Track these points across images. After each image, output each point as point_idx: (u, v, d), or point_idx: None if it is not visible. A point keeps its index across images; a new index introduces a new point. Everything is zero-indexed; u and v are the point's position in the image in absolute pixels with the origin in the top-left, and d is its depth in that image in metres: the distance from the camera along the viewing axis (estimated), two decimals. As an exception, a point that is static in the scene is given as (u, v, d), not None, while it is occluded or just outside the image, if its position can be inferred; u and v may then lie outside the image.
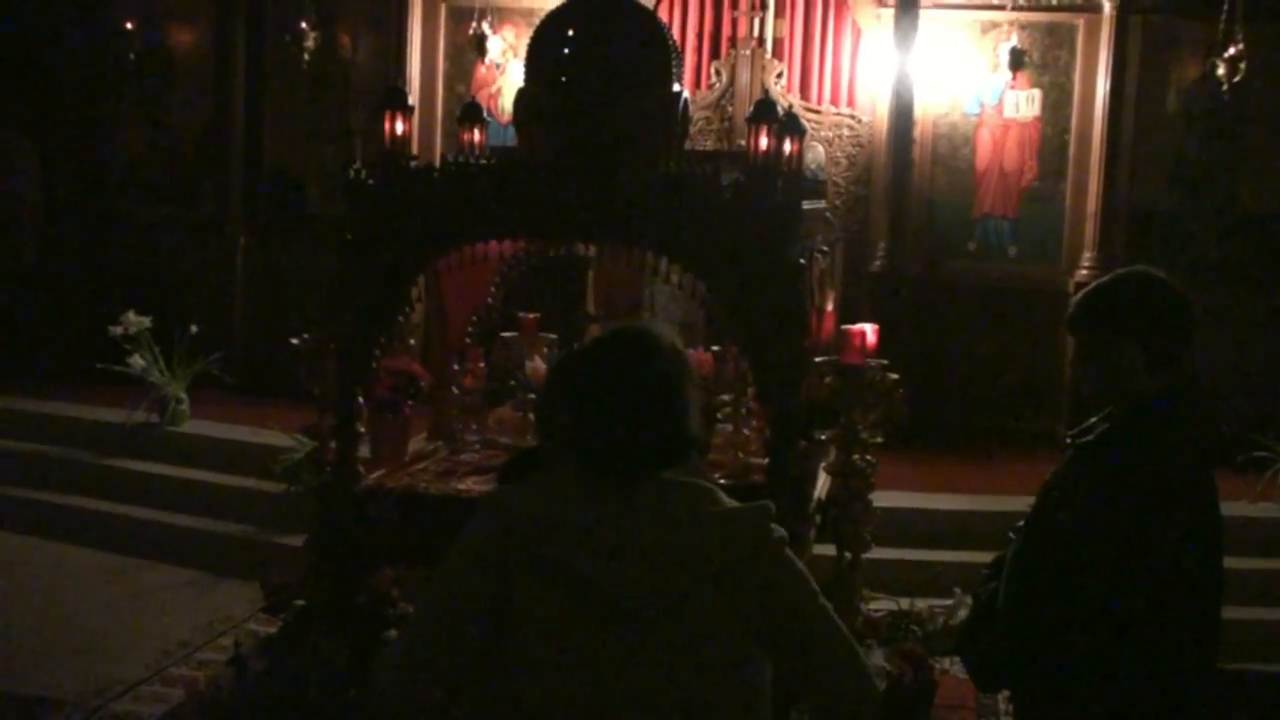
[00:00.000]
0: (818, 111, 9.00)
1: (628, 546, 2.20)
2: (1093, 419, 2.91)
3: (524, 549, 2.23)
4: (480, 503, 2.42)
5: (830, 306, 5.32)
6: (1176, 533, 2.70)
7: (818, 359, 4.50)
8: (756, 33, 8.96)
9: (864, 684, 2.33)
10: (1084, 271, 8.62)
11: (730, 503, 2.32)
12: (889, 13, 8.76)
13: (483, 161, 4.43)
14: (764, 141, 4.14)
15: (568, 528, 2.23)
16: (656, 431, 2.27)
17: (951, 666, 5.64)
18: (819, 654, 2.30)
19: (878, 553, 5.00)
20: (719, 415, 4.92)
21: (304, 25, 9.19)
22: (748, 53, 8.95)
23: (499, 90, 9.29)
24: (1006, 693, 3.96)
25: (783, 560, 2.30)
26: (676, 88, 4.42)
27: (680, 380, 2.32)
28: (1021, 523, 2.98)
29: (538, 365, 5.19)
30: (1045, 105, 8.91)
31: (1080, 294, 2.97)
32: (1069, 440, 2.94)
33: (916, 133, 8.85)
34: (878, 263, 8.87)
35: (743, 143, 4.76)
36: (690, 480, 2.32)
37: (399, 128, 4.43)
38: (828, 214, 5.51)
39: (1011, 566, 2.88)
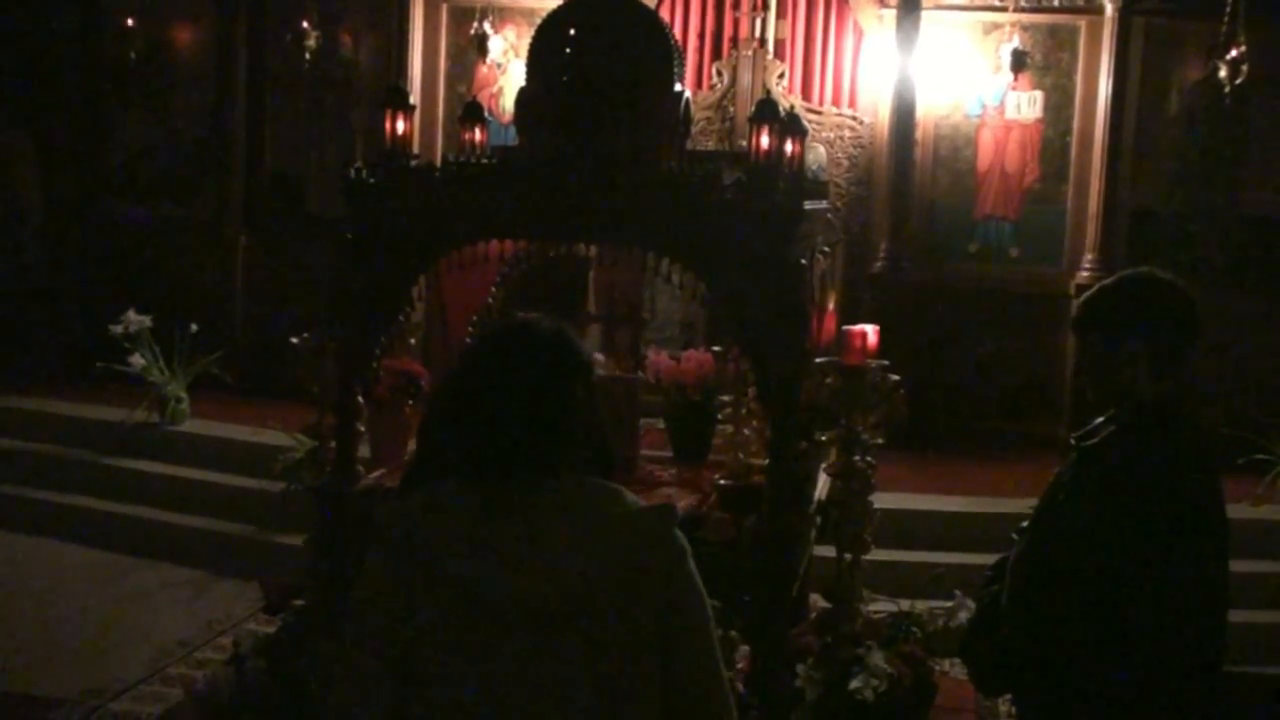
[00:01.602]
0: (819, 112, 9.00)
1: (524, 553, 2.11)
2: (1096, 421, 2.90)
3: (422, 569, 2.13)
4: (371, 535, 2.25)
5: (831, 307, 5.31)
6: (1183, 536, 2.69)
7: (818, 360, 4.49)
8: (758, 33, 8.96)
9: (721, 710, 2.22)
10: (1085, 273, 8.62)
11: (635, 503, 2.22)
12: (891, 14, 8.76)
13: (484, 161, 4.42)
14: (765, 142, 4.12)
15: (460, 540, 2.12)
16: (529, 429, 2.17)
17: (951, 669, 5.63)
18: (687, 691, 2.19)
19: (878, 554, 4.99)
20: (719, 416, 4.91)
21: (305, 25, 9.19)
22: (749, 53, 8.95)
23: (500, 90, 9.29)
24: (1008, 696, 3.95)
25: (682, 570, 2.20)
26: (678, 88, 4.41)
27: (556, 374, 2.22)
28: (1024, 525, 2.97)
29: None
30: (1047, 107, 8.90)
31: (1086, 294, 2.96)
32: (1073, 443, 2.93)
33: (918, 134, 8.85)
34: (879, 264, 8.87)
35: (744, 143, 4.75)
36: (592, 479, 2.23)
37: (400, 127, 4.42)
38: (829, 215, 5.50)
39: (1016, 569, 2.87)
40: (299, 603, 5.38)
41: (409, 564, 2.14)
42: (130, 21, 9.81)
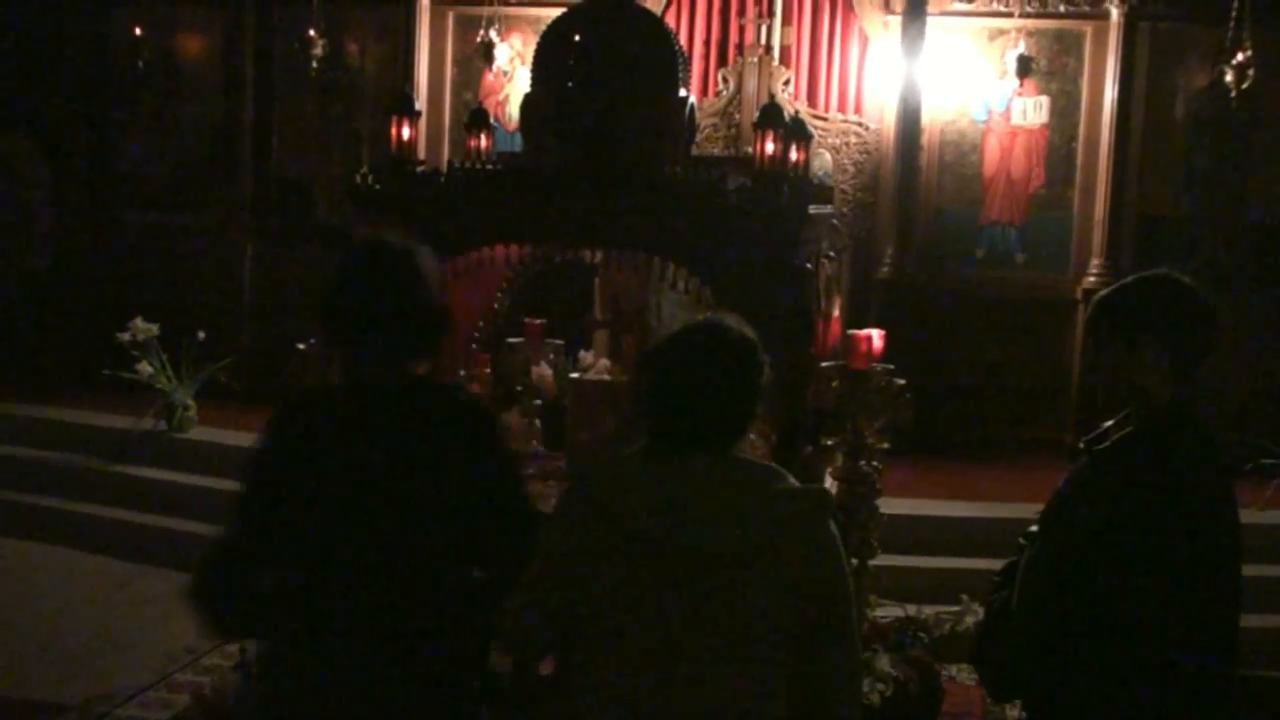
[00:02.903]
0: (825, 119, 9.00)
1: (694, 514, 2.43)
2: (1106, 424, 2.89)
3: (607, 522, 2.47)
4: (571, 477, 2.98)
5: (837, 312, 5.32)
6: (1195, 540, 2.67)
7: (824, 364, 4.49)
8: (764, 40, 8.97)
9: (849, 711, 2.53)
10: (1092, 278, 8.61)
11: (794, 483, 2.52)
12: (896, 20, 8.77)
13: (489, 167, 4.43)
14: (771, 148, 4.14)
15: (641, 497, 2.47)
16: (717, 416, 2.51)
17: (959, 674, 5.63)
18: (824, 655, 2.51)
19: (884, 559, 4.99)
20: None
21: (312, 33, 9.20)
22: (755, 60, 8.96)
23: (506, 98, 9.31)
24: (1018, 701, 3.94)
25: (832, 546, 2.51)
26: (683, 94, 4.42)
27: (743, 372, 2.53)
28: (1031, 529, 2.96)
29: (544, 371, 5.19)
30: (1053, 112, 8.90)
31: (1102, 294, 2.92)
32: (1083, 446, 2.91)
33: (924, 140, 8.85)
34: (884, 269, 8.87)
35: (749, 149, 4.76)
36: (759, 461, 2.59)
37: (406, 134, 4.43)
38: (834, 220, 5.50)
39: (1025, 574, 2.86)
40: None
41: (599, 515, 2.49)
42: (139, 31, 9.83)
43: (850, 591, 2.54)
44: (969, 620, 5.10)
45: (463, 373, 5.17)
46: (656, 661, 2.42)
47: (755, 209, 3.95)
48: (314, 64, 9.27)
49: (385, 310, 2.69)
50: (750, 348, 2.55)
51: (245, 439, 8.21)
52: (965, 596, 5.33)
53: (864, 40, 9.07)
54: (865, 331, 4.69)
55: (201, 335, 8.40)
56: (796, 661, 2.48)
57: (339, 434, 2.72)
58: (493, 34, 9.16)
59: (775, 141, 4.14)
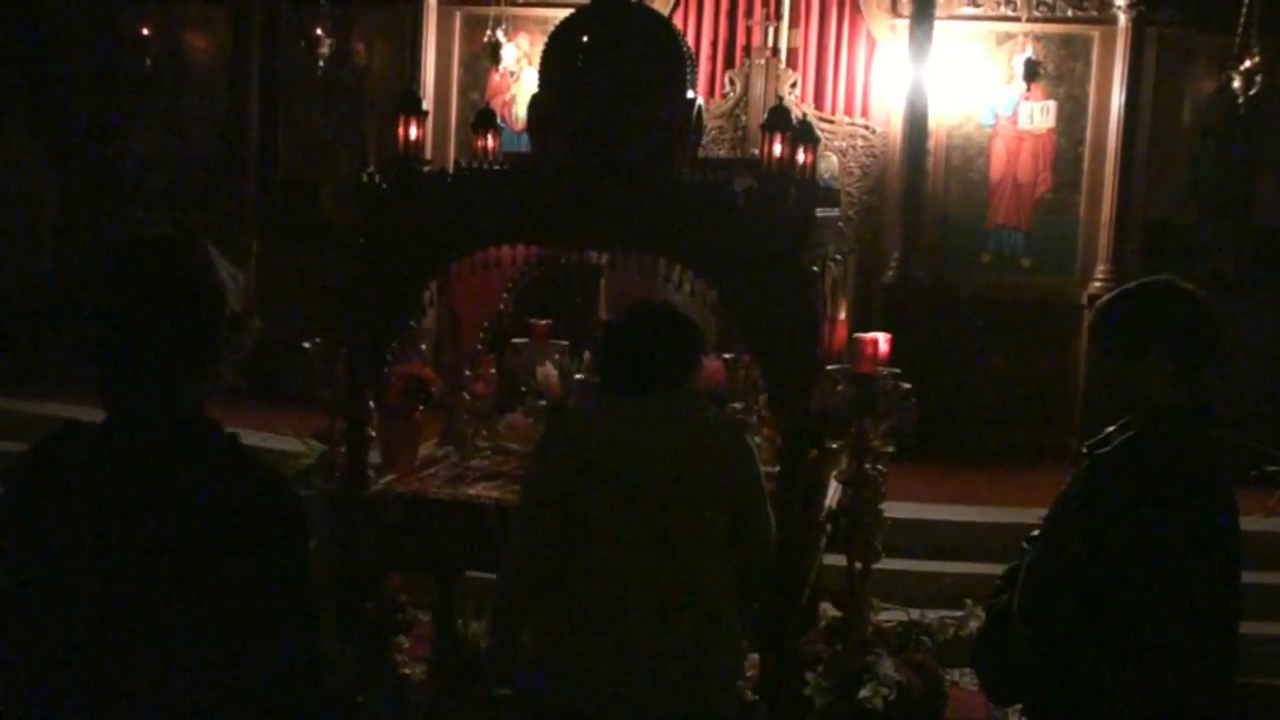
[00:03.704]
0: (832, 121, 9.00)
1: (644, 447, 3.17)
2: (1109, 429, 2.89)
3: (579, 456, 3.17)
4: (546, 428, 3.73)
5: (842, 315, 5.32)
6: (1196, 546, 2.68)
7: (830, 368, 4.49)
8: (771, 42, 8.97)
9: (768, 535, 3.39)
10: (1098, 283, 8.61)
11: (715, 413, 3.49)
12: (904, 23, 8.77)
13: (496, 168, 4.43)
14: (778, 150, 4.13)
15: (604, 438, 3.20)
16: (665, 367, 3.29)
17: (961, 678, 5.62)
18: (749, 514, 3.31)
19: (888, 563, 4.98)
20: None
21: (319, 32, 9.22)
22: (762, 62, 8.96)
23: (513, 98, 9.32)
24: (1019, 706, 3.93)
25: (745, 447, 3.38)
26: (691, 95, 4.42)
27: (682, 337, 3.34)
28: (1034, 534, 2.96)
29: (549, 371, 5.19)
30: (1060, 117, 8.90)
31: (1104, 300, 2.94)
32: (1085, 451, 2.92)
33: (930, 143, 8.85)
34: (890, 272, 8.87)
35: (756, 151, 4.75)
36: (686, 393, 3.34)
37: (413, 133, 4.43)
38: (841, 223, 5.50)
39: (1027, 578, 2.86)
40: (309, 608, 5.37)
41: (572, 452, 3.19)
42: (146, 30, 9.85)
43: (760, 477, 3.36)
44: (973, 625, 5.09)
45: (468, 373, 5.18)
46: (631, 552, 3.12)
47: (762, 211, 3.94)
48: (320, 63, 9.29)
49: (145, 315, 2.06)
50: (684, 321, 3.36)
51: (249, 436, 8.22)
52: (969, 601, 5.32)
53: (871, 43, 9.07)
54: (871, 335, 4.69)
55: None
56: (733, 527, 3.25)
57: (79, 508, 2.03)
58: (500, 34, 9.17)
59: (782, 144, 4.13)
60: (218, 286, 2.14)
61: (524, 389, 5.23)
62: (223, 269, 2.16)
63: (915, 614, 5.39)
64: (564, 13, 4.66)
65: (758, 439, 4.85)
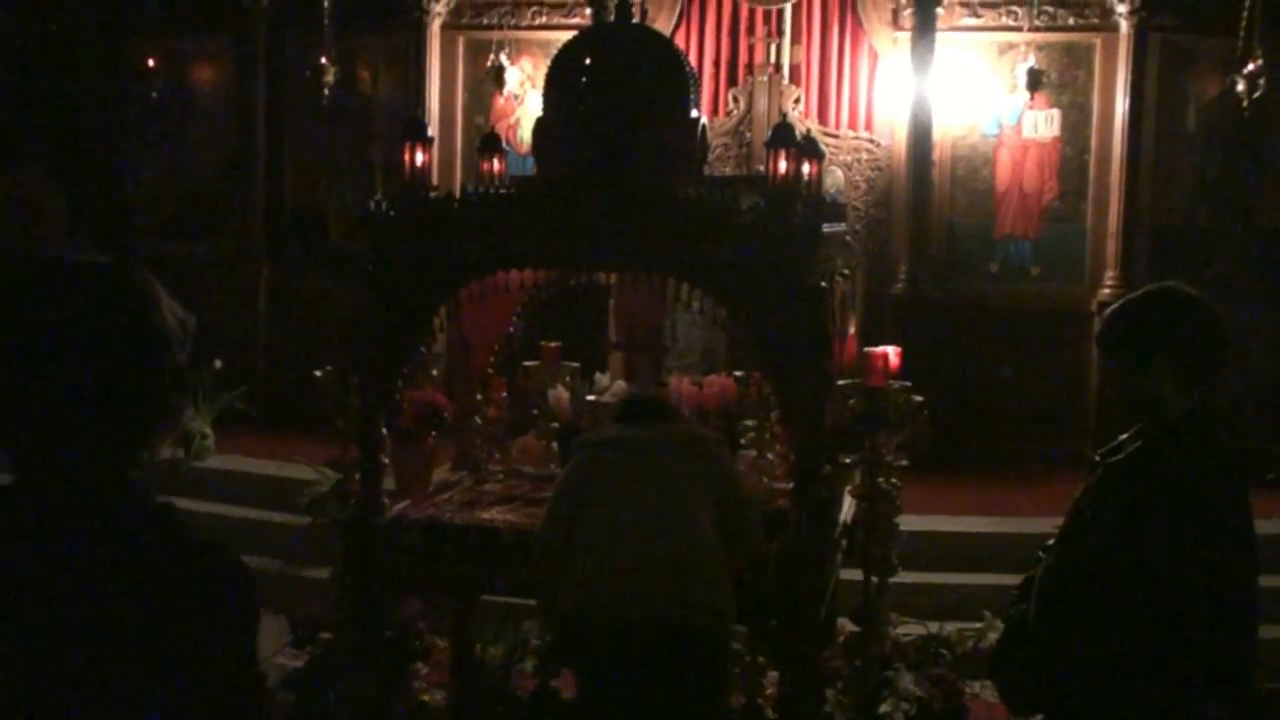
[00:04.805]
0: (836, 136, 9.01)
1: (645, 452, 3.91)
2: (1122, 437, 2.89)
3: (597, 462, 3.93)
4: (575, 446, 4.16)
5: (852, 330, 5.32)
6: (1210, 552, 2.67)
7: (841, 382, 4.49)
8: (773, 59, 8.99)
9: (758, 542, 3.98)
10: (1107, 290, 8.59)
11: (705, 432, 4.35)
12: (905, 36, 8.78)
13: (503, 191, 4.44)
14: (783, 166, 4.14)
15: (612, 436, 4.02)
16: (659, 412, 4.14)
17: (982, 691, 5.60)
18: (737, 517, 3.90)
19: (905, 576, 4.97)
20: (743, 441, 4.91)
21: (324, 60, 9.26)
22: (765, 79, 8.98)
23: (517, 121, 9.34)
24: (1038, 716, 3.91)
25: (727, 457, 4.15)
26: (695, 114, 4.43)
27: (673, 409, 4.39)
28: (1050, 543, 2.96)
29: (560, 394, 5.19)
30: (1064, 125, 8.89)
31: (1110, 309, 2.96)
32: (1098, 459, 2.92)
33: (935, 155, 8.85)
34: (899, 285, 8.86)
35: (761, 168, 4.77)
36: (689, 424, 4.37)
37: (419, 159, 4.45)
38: (848, 237, 5.50)
39: (1043, 588, 2.86)
40: (326, 636, 5.39)
41: (591, 459, 3.95)
42: (152, 62, 9.91)
43: (740, 482, 4.08)
44: (991, 636, 5.08)
45: (480, 397, 5.19)
46: (632, 508, 3.78)
47: (769, 228, 3.95)
48: (326, 91, 9.32)
49: (63, 364, 1.68)
50: (670, 406, 4.45)
51: (263, 466, 8.30)
52: (987, 612, 5.31)
53: (874, 57, 9.08)
54: (881, 349, 4.69)
55: (218, 363, 8.43)
56: (720, 515, 3.84)
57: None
58: (503, 58, 9.21)
59: (788, 160, 4.14)
60: (161, 332, 1.80)
61: (536, 412, 5.24)
62: (168, 311, 1.83)
63: (933, 627, 5.38)
64: (567, 35, 4.69)
65: (771, 455, 4.86)
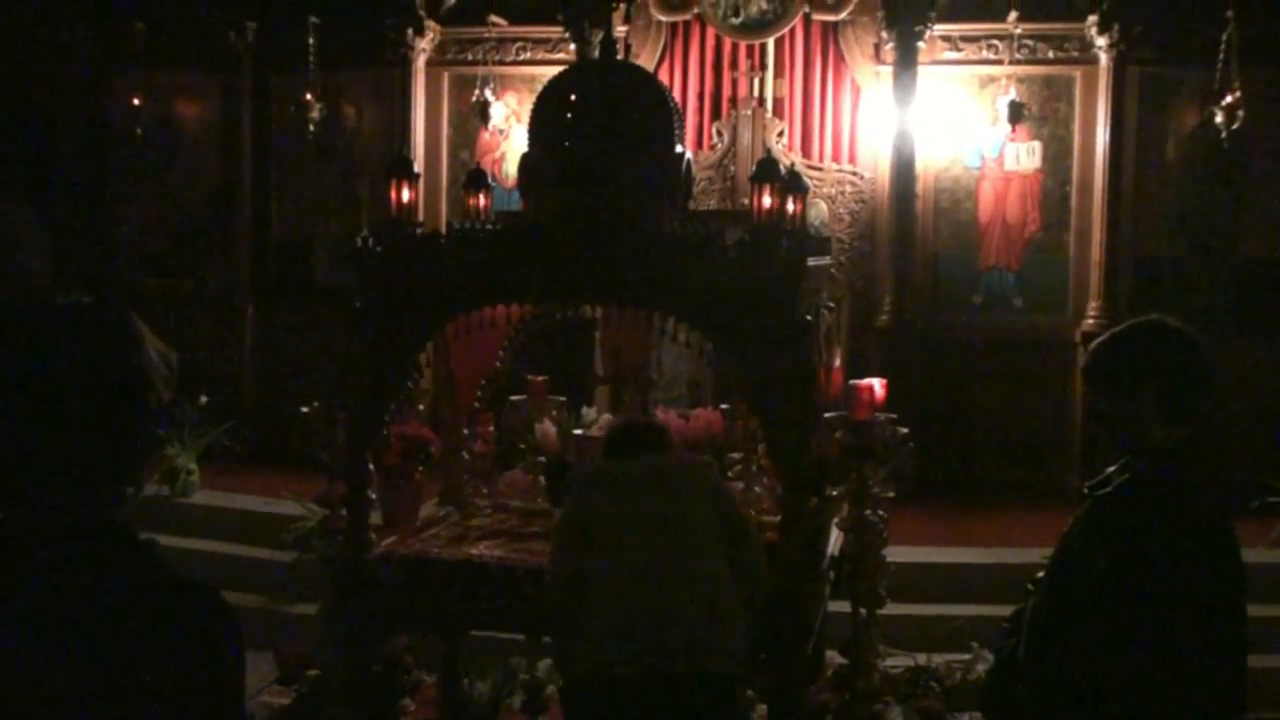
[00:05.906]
0: (820, 169, 9.06)
1: (643, 465, 3.92)
2: (1109, 469, 2.90)
3: (594, 500, 3.86)
4: (572, 481, 4.13)
5: (838, 362, 5.33)
6: (1199, 584, 2.67)
7: (827, 415, 4.50)
8: (757, 93, 9.04)
9: (762, 567, 3.90)
10: (1090, 321, 8.63)
11: (698, 460, 4.32)
12: (888, 70, 8.84)
13: (488, 227, 4.46)
14: (767, 200, 4.16)
15: (608, 486, 3.91)
16: (651, 443, 4.03)
17: (971, 722, 5.59)
18: (741, 545, 3.85)
19: (893, 608, 4.97)
20: (730, 474, 4.92)
21: (309, 97, 9.30)
22: (748, 113, 9.03)
23: (503, 155, 9.38)
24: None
25: (723, 483, 4.22)
26: (679, 149, 4.46)
27: (663, 434, 4.18)
28: (1039, 576, 2.96)
29: (547, 428, 5.19)
30: (1046, 157, 8.96)
31: (1095, 343, 2.97)
32: (1086, 491, 2.93)
33: (918, 187, 8.90)
34: (884, 317, 8.89)
35: (746, 202, 4.79)
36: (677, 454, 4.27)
37: (405, 195, 4.46)
38: (833, 270, 5.54)
39: (1032, 621, 2.86)
40: (313, 673, 5.36)
41: (589, 496, 3.90)
42: (136, 100, 9.93)
43: (740, 508, 4.12)
44: (980, 668, 5.08)
45: (466, 432, 5.19)
46: (645, 551, 3.71)
47: (754, 262, 3.97)
48: (311, 127, 9.35)
49: (50, 406, 1.70)
50: (661, 429, 4.23)
51: (249, 502, 8.28)
52: (976, 644, 5.31)
53: (856, 90, 9.14)
54: (867, 381, 4.71)
55: (204, 399, 8.41)
56: (727, 547, 3.80)
57: None
58: (488, 93, 9.24)
59: (771, 195, 4.17)
60: (143, 372, 1.84)
61: (523, 446, 5.24)
62: (152, 348, 1.84)
63: (922, 659, 5.37)
64: (552, 71, 4.73)
65: (758, 488, 4.87)
